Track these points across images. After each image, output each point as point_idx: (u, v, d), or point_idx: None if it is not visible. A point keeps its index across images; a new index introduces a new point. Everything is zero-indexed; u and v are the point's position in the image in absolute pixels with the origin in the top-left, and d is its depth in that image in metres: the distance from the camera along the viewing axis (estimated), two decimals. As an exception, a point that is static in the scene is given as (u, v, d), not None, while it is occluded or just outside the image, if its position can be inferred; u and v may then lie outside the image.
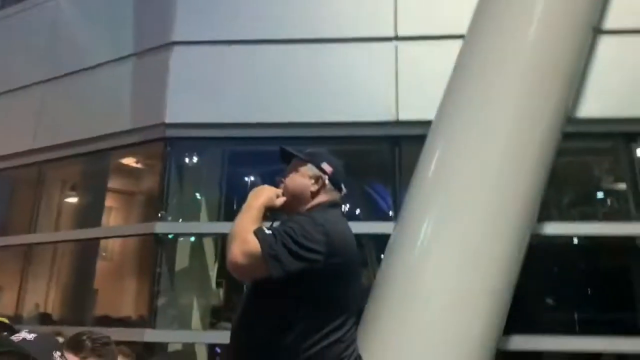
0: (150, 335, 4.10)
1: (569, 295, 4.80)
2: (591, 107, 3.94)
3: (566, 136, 3.98)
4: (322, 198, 2.11)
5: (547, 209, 4.85)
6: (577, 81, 3.35)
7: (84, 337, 2.06)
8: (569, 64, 3.19)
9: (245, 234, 1.88)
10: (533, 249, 4.75)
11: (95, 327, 4.57)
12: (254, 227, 1.91)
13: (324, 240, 1.89)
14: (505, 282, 2.73)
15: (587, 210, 4.98)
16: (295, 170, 2.15)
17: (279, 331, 1.89)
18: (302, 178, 2.12)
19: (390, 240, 2.99)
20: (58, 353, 1.72)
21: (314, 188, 2.11)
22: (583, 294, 4.92)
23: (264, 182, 2.57)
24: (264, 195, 2.06)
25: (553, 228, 4.19)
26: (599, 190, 4.91)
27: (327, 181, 2.12)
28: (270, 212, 2.14)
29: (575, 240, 4.87)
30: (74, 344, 2.07)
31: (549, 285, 4.94)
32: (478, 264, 2.69)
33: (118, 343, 3.30)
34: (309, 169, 2.13)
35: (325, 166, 2.15)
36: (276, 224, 2.08)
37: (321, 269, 1.87)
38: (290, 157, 2.21)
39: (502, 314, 2.75)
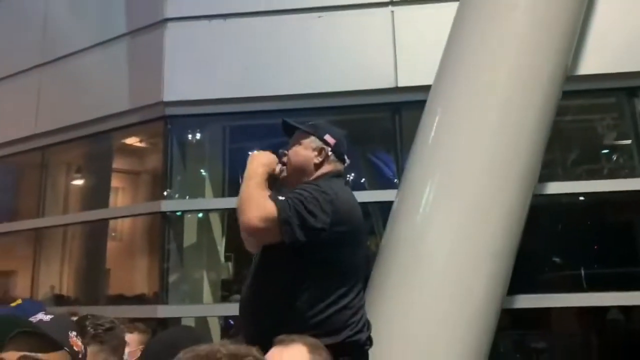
0: (163, 311, 4.19)
1: (577, 254, 4.84)
2: (592, 63, 3.91)
3: (568, 94, 3.97)
4: (325, 169, 2.13)
5: (552, 168, 4.89)
6: (576, 37, 3.30)
7: (87, 323, 2.05)
8: (568, 21, 3.14)
9: (260, 200, 1.90)
10: (539, 209, 4.81)
11: (109, 307, 4.69)
12: (265, 192, 1.94)
13: (331, 209, 1.93)
14: (508, 242, 2.76)
15: (593, 168, 4.97)
16: (298, 142, 2.17)
17: (287, 298, 1.93)
18: (306, 150, 2.14)
19: (393, 207, 3.01)
20: (74, 333, 1.77)
21: (318, 160, 2.13)
22: (590, 251, 4.96)
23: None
24: (263, 161, 2.07)
25: (558, 187, 4.22)
26: (603, 147, 4.89)
27: (330, 152, 2.15)
28: (274, 186, 2.17)
29: (581, 198, 4.89)
30: (77, 330, 2.09)
31: (556, 245, 4.98)
32: (480, 225, 2.71)
33: (133, 320, 3.39)
34: (312, 141, 2.15)
35: (328, 138, 2.17)
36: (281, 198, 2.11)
37: (326, 237, 1.91)
38: (292, 129, 2.22)
39: (505, 275, 2.79)
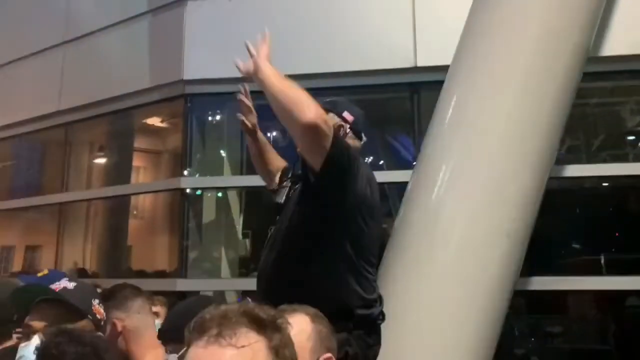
0: (182, 284, 4.29)
1: (597, 239, 4.80)
2: (617, 44, 3.83)
3: (592, 76, 3.91)
4: None
5: (575, 152, 4.83)
6: (599, 17, 3.23)
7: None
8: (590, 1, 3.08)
9: (313, 101, 1.81)
10: (560, 193, 4.78)
11: (130, 279, 4.80)
12: None
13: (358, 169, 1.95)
14: (523, 223, 2.75)
15: (617, 153, 4.89)
16: None
17: (305, 267, 1.95)
18: None
19: (408, 187, 3.02)
20: (96, 301, 1.82)
21: None
22: (611, 237, 4.91)
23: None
24: (266, 61, 2.00)
25: (580, 170, 4.19)
26: (628, 132, 4.80)
27: (348, 130, 2.14)
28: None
29: (604, 184, 4.83)
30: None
31: (576, 229, 4.94)
32: (495, 205, 2.71)
33: (154, 293, 3.49)
34: (330, 118, 2.15)
35: (347, 115, 2.17)
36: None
37: (352, 186, 1.92)
38: None
39: (519, 255, 2.79)
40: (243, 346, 0.85)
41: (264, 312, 0.92)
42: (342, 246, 1.96)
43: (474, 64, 3.05)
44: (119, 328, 1.95)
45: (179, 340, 1.86)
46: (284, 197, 2.14)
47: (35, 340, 1.57)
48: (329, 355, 1.60)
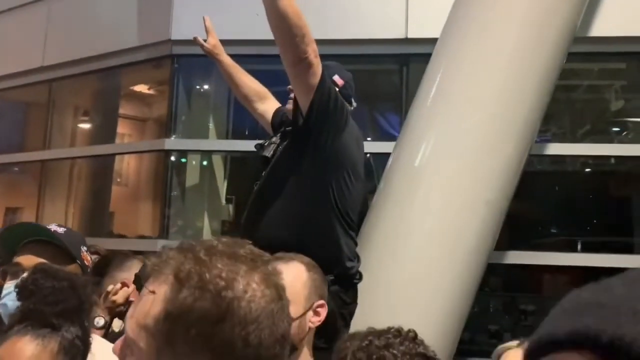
0: (162, 244, 4.29)
1: (574, 220, 4.91)
2: (605, 25, 3.85)
3: (579, 56, 3.94)
4: None
5: (558, 132, 4.89)
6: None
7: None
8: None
9: (310, 32, 1.81)
10: (541, 174, 4.86)
11: (111, 239, 4.81)
12: None
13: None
14: (502, 193, 2.81)
15: (599, 133, 4.96)
16: None
17: (291, 216, 1.97)
18: None
19: (391, 157, 3.05)
20: (85, 247, 1.84)
21: None
22: (589, 218, 5.03)
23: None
24: None
25: (562, 148, 4.26)
26: (611, 114, 4.86)
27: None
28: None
29: (585, 167, 4.92)
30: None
31: (554, 209, 5.04)
32: (476, 174, 2.75)
33: (135, 254, 3.48)
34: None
35: (337, 78, 2.18)
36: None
37: (339, 139, 1.94)
38: None
39: (496, 224, 2.85)
40: (151, 292, 0.77)
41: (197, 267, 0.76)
42: (329, 195, 1.98)
43: (462, 36, 3.06)
44: (131, 286, 2.03)
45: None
46: (271, 152, 2.14)
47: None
48: (322, 302, 1.65)
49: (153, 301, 0.74)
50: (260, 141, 2.25)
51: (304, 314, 1.60)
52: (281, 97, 2.46)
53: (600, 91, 5.03)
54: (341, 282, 2.01)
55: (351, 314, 2.07)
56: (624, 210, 4.87)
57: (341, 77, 2.19)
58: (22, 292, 1.42)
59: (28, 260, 1.67)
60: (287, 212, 1.98)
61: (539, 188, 4.95)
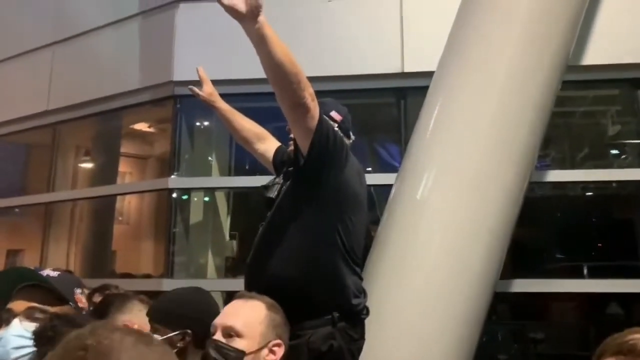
0: (168, 284, 4.28)
1: (579, 245, 4.90)
2: (596, 53, 3.95)
3: (572, 84, 4.02)
4: None
5: (556, 159, 4.94)
6: (579, 26, 3.35)
7: (109, 285, 2.18)
8: (570, 9, 3.19)
9: (306, 79, 1.83)
10: (542, 201, 4.88)
11: (116, 279, 4.79)
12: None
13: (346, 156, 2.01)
14: (505, 220, 2.83)
15: (597, 159, 5.00)
16: None
17: (294, 256, 1.97)
18: None
19: (394, 187, 3.08)
20: (79, 290, 1.84)
21: None
22: (593, 243, 5.02)
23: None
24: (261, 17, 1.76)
25: (561, 175, 4.30)
26: (607, 139, 4.92)
27: (337, 129, 2.16)
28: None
29: (585, 192, 4.94)
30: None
31: (558, 236, 5.04)
32: (478, 202, 2.78)
33: (138, 293, 3.46)
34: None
35: (335, 114, 2.21)
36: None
37: (339, 179, 1.96)
38: None
39: (501, 251, 2.86)
40: None
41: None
42: (333, 233, 1.98)
43: (459, 68, 3.13)
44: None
45: (166, 323, 1.91)
46: (275, 193, 2.17)
47: (16, 322, 1.59)
48: (278, 341, 1.65)
49: None
50: (265, 183, 2.28)
51: (259, 350, 1.61)
52: (285, 133, 2.51)
53: (596, 117, 5.11)
54: (348, 318, 2.00)
55: (359, 350, 2.05)
56: (628, 233, 4.87)
57: (338, 113, 2.23)
58: (40, 338, 1.44)
59: (19, 305, 1.67)
60: (293, 252, 1.99)
61: (541, 214, 4.97)
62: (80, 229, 6.24)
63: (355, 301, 2.02)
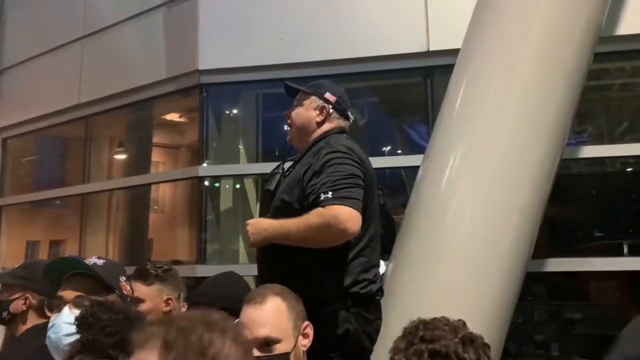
0: (201, 270, 4.37)
1: (619, 222, 4.76)
2: (632, 23, 3.78)
3: (610, 55, 3.86)
4: (327, 126, 2.20)
5: (594, 133, 4.79)
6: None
7: (148, 266, 2.27)
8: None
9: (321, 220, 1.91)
10: (579, 177, 4.74)
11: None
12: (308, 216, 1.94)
13: (359, 164, 2.02)
14: (536, 199, 2.75)
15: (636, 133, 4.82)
16: (300, 104, 2.24)
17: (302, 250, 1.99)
18: (307, 111, 2.21)
19: (421, 168, 3.04)
20: (124, 278, 1.91)
21: (319, 118, 2.20)
22: (632, 219, 4.87)
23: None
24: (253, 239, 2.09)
25: (598, 150, 4.16)
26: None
27: (331, 110, 2.20)
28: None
29: (625, 167, 4.78)
30: (140, 273, 2.29)
31: (597, 212, 4.90)
32: (508, 182, 2.71)
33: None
34: (313, 101, 2.22)
35: (329, 96, 2.23)
36: (288, 164, 2.19)
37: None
38: (295, 92, 2.29)
39: (532, 231, 2.79)
40: None
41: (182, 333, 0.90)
42: None
43: (485, 43, 3.05)
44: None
45: (201, 304, 2.02)
46: (274, 184, 2.18)
47: (66, 310, 1.67)
48: (306, 323, 1.67)
49: None
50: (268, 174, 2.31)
51: (296, 344, 1.64)
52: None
53: (634, 89, 4.91)
54: (362, 302, 2.01)
55: (377, 330, 2.05)
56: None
57: (332, 94, 2.23)
58: (81, 324, 1.51)
59: (68, 294, 1.77)
60: (299, 251, 2.01)
61: (578, 191, 4.83)
62: (117, 218, 6.40)
63: (367, 289, 2.02)
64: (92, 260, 1.84)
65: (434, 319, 1.26)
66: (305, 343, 1.67)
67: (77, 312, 1.63)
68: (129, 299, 1.86)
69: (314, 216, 1.89)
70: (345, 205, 1.88)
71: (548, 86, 2.85)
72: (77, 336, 1.52)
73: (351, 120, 2.29)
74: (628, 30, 3.81)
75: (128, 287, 1.87)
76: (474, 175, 2.77)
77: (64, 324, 1.64)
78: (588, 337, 4.93)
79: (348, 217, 1.87)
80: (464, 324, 1.26)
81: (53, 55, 5.86)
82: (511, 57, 2.91)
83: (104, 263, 1.85)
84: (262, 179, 5.08)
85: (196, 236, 4.70)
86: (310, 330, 1.69)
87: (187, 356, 0.85)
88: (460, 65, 3.11)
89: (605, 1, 3.13)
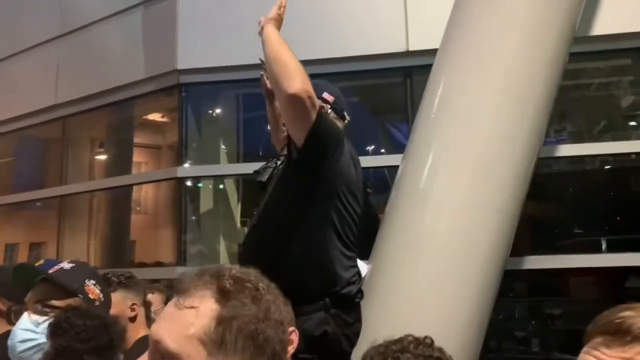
0: (181, 272, 4.32)
1: (596, 219, 4.82)
2: (606, 23, 3.83)
3: (582, 56, 3.91)
4: None
5: (569, 131, 4.84)
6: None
7: (109, 275, 2.25)
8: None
9: (306, 74, 1.86)
10: (560, 175, 4.79)
11: (131, 269, 4.85)
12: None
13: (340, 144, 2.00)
14: (513, 199, 2.78)
15: (617, 133, 4.89)
16: None
17: (286, 241, 1.98)
18: None
19: (399, 170, 3.04)
20: (92, 281, 1.86)
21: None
22: (610, 217, 4.93)
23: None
24: (270, 23, 2.09)
25: (572, 149, 4.21)
26: (619, 110, 4.80)
27: (329, 110, 2.16)
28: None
29: (602, 164, 4.85)
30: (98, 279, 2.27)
31: (574, 210, 4.96)
32: (485, 182, 2.73)
33: (153, 281, 3.52)
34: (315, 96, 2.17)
35: (327, 95, 2.19)
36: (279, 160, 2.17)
37: (335, 167, 1.96)
38: None
39: (510, 230, 2.82)
40: (192, 307, 0.86)
41: (237, 280, 0.90)
42: (323, 225, 1.98)
43: (462, 44, 3.06)
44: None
45: None
46: (266, 176, 2.16)
47: (25, 316, 1.64)
48: (292, 328, 1.64)
49: (197, 314, 0.84)
50: (258, 167, 2.27)
51: None
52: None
53: (610, 88, 4.98)
54: (341, 304, 1.99)
55: (356, 334, 2.03)
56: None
57: (330, 94, 2.20)
58: (55, 330, 1.48)
59: (29, 300, 1.73)
60: (285, 240, 1.98)
61: (558, 189, 4.89)
62: (98, 220, 6.32)
63: (347, 289, 2.01)
64: (61, 264, 1.80)
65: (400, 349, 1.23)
66: (290, 350, 1.64)
67: (35, 317, 1.60)
68: (98, 304, 1.83)
69: (293, 63, 1.87)
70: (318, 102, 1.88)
71: (524, 86, 2.87)
72: (34, 342, 1.50)
73: (347, 121, 2.25)
74: (603, 31, 3.87)
75: (97, 291, 1.83)
76: (451, 175, 2.78)
77: (20, 330, 1.62)
78: (568, 333, 4.99)
79: (307, 95, 1.83)
80: (432, 342, 1.24)
81: (29, 54, 5.76)
82: (487, 58, 2.93)
83: (71, 267, 1.81)
84: (243, 180, 5.10)
85: (176, 238, 4.66)
86: (295, 337, 1.66)
87: (244, 302, 0.87)
88: (437, 66, 3.12)
89: (579, 2, 3.17)
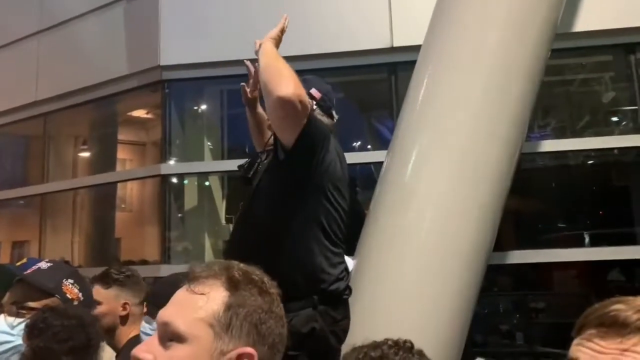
0: (165, 270, 4.29)
1: (578, 214, 4.88)
2: (588, 20, 3.87)
3: (565, 52, 3.94)
4: None
5: (553, 127, 4.89)
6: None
7: (111, 270, 2.28)
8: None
9: (298, 81, 1.87)
10: (545, 170, 4.84)
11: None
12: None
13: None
14: (496, 196, 2.80)
15: (600, 128, 4.95)
16: None
17: (273, 239, 1.97)
18: None
19: (384, 166, 3.05)
20: (70, 280, 1.84)
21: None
22: (592, 211, 5.00)
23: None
24: (269, 41, 2.11)
25: (554, 145, 4.25)
26: (601, 106, 4.86)
27: (315, 107, 2.12)
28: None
29: (584, 159, 4.91)
30: (101, 276, 2.27)
31: (557, 205, 5.02)
32: (468, 179, 2.75)
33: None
34: (308, 99, 2.14)
35: (314, 92, 2.16)
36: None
37: (323, 164, 1.96)
38: None
39: (492, 225, 2.84)
40: (202, 293, 0.94)
41: (245, 273, 0.99)
42: (310, 222, 1.97)
43: (445, 41, 3.07)
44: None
45: (161, 305, 1.95)
46: (251, 172, 2.15)
47: (0, 319, 1.62)
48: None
49: (207, 300, 0.93)
50: (242, 162, 2.25)
51: None
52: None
53: (593, 84, 5.04)
54: (329, 300, 1.98)
55: (345, 331, 2.03)
56: (627, 200, 4.84)
57: (318, 90, 2.17)
58: (32, 330, 1.46)
59: (5, 302, 1.72)
60: (272, 237, 1.97)
61: (542, 184, 4.95)
62: (82, 217, 6.25)
63: (334, 286, 2.00)
64: (38, 264, 1.79)
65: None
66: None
67: (10, 319, 1.58)
68: (76, 303, 1.81)
69: (287, 71, 1.89)
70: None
71: (506, 83, 2.89)
72: (10, 345, 1.48)
73: (335, 120, 2.23)
74: (585, 27, 3.90)
75: (75, 291, 1.81)
76: (434, 172, 2.80)
77: None
78: (551, 326, 5.06)
79: (299, 99, 1.83)
80: (412, 346, 1.24)
81: (7, 49, 5.65)
82: (469, 54, 2.94)
83: (49, 267, 1.79)
84: (228, 176, 5.08)
85: (159, 235, 4.62)
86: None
87: (251, 292, 0.95)
88: (420, 62, 3.13)
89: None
